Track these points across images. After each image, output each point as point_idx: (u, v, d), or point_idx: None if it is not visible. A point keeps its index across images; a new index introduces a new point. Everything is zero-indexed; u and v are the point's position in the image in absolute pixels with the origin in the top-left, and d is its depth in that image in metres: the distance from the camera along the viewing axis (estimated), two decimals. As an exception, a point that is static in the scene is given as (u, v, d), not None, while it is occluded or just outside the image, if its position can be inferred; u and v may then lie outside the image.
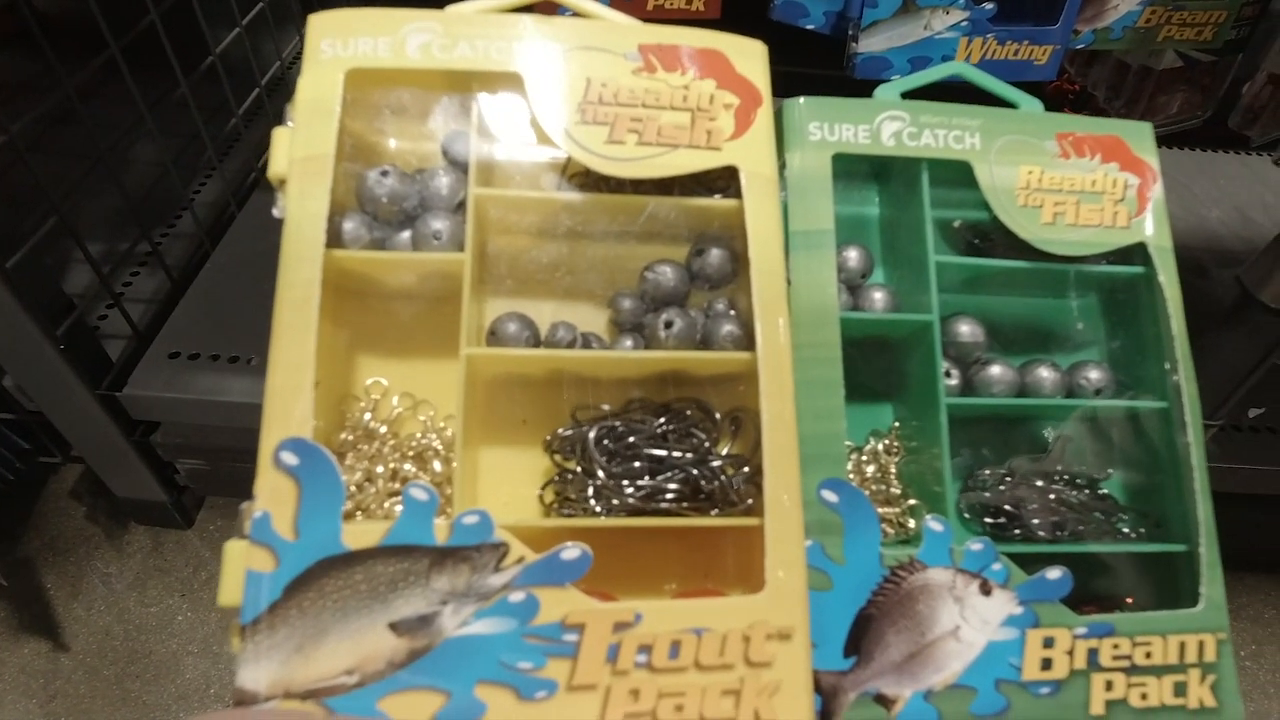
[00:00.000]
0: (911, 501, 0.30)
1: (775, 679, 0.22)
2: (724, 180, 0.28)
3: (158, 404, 0.57)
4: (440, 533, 0.22)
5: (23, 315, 0.49)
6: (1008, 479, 0.32)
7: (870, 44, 0.51)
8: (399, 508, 0.26)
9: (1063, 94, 0.70)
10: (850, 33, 0.51)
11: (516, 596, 0.22)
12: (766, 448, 0.24)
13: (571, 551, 0.22)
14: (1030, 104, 0.33)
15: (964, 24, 0.50)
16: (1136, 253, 0.32)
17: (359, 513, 0.25)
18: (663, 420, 0.27)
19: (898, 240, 0.33)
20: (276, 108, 0.74)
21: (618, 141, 0.26)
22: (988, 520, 0.31)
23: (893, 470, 0.31)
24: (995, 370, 0.32)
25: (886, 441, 0.32)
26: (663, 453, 0.26)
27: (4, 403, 0.61)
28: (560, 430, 0.27)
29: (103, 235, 0.66)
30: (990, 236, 0.33)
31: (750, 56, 0.27)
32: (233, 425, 0.58)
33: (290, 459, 0.22)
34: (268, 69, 0.74)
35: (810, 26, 0.55)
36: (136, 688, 0.59)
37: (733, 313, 0.28)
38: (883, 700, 0.25)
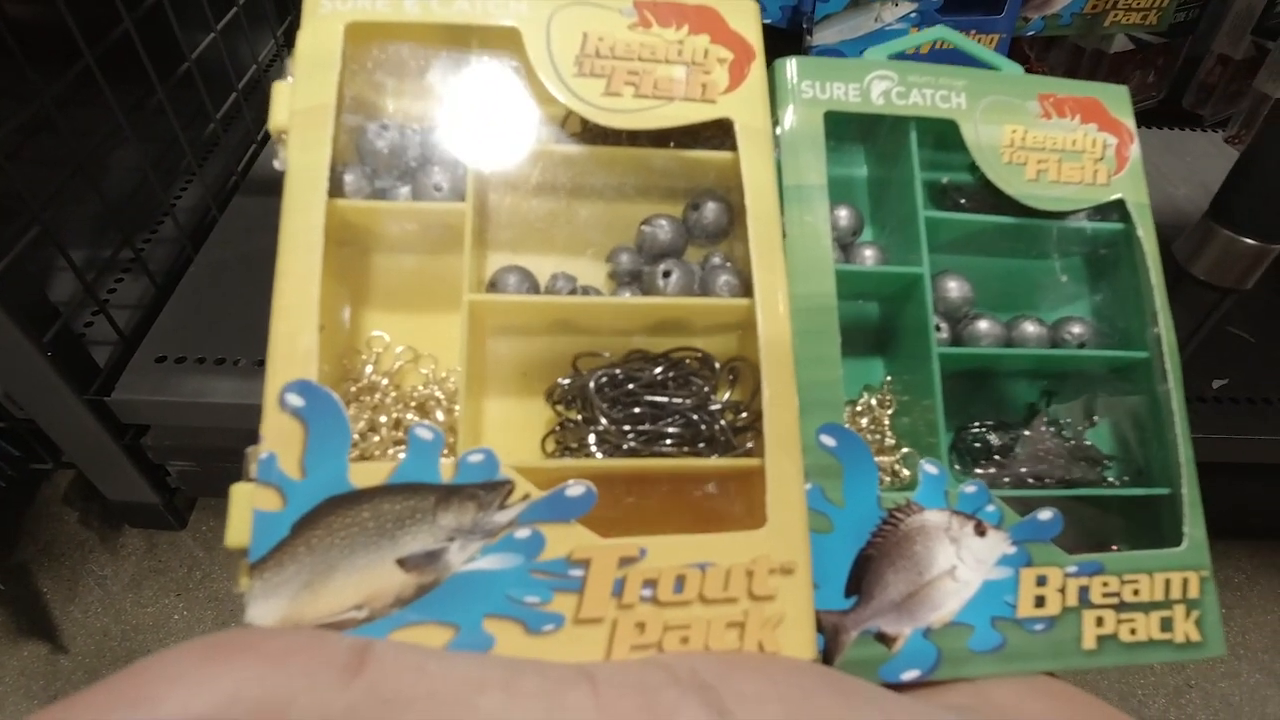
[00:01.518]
0: (905, 450, 0.30)
1: (778, 611, 0.23)
2: (717, 137, 0.29)
3: (146, 407, 0.58)
4: (446, 471, 0.22)
5: (9, 324, 0.50)
6: (996, 430, 0.33)
7: (824, 36, 0.53)
8: (403, 455, 0.26)
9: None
10: (805, 26, 0.53)
11: (522, 533, 0.22)
12: (766, 390, 0.24)
13: (576, 489, 0.23)
14: (1011, 68, 0.34)
15: (913, 15, 0.53)
16: (1115, 210, 0.33)
17: (364, 460, 0.25)
18: (662, 368, 0.27)
19: (886, 199, 0.34)
20: (254, 112, 0.74)
21: (615, 94, 0.26)
22: (978, 471, 0.32)
23: (886, 422, 0.31)
24: (983, 325, 0.33)
25: (880, 395, 0.32)
26: (663, 399, 0.26)
27: (-6, 411, 0.61)
28: (561, 380, 0.27)
29: (85, 242, 0.66)
30: (975, 195, 0.34)
31: (743, 13, 0.28)
32: (221, 426, 0.58)
33: (296, 400, 0.22)
34: (244, 73, 0.74)
35: (767, 20, 0.57)
36: None
37: (728, 264, 0.28)
38: (883, 638, 0.25)
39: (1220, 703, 0.69)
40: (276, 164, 0.25)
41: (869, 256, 0.32)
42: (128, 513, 0.66)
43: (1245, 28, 0.74)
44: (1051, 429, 0.33)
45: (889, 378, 0.33)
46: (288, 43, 0.83)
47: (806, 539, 0.24)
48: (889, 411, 0.32)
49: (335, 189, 0.25)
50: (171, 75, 0.62)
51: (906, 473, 0.30)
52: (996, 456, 0.32)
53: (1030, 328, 0.33)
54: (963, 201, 0.35)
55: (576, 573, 0.22)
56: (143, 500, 0.64)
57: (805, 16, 0.52)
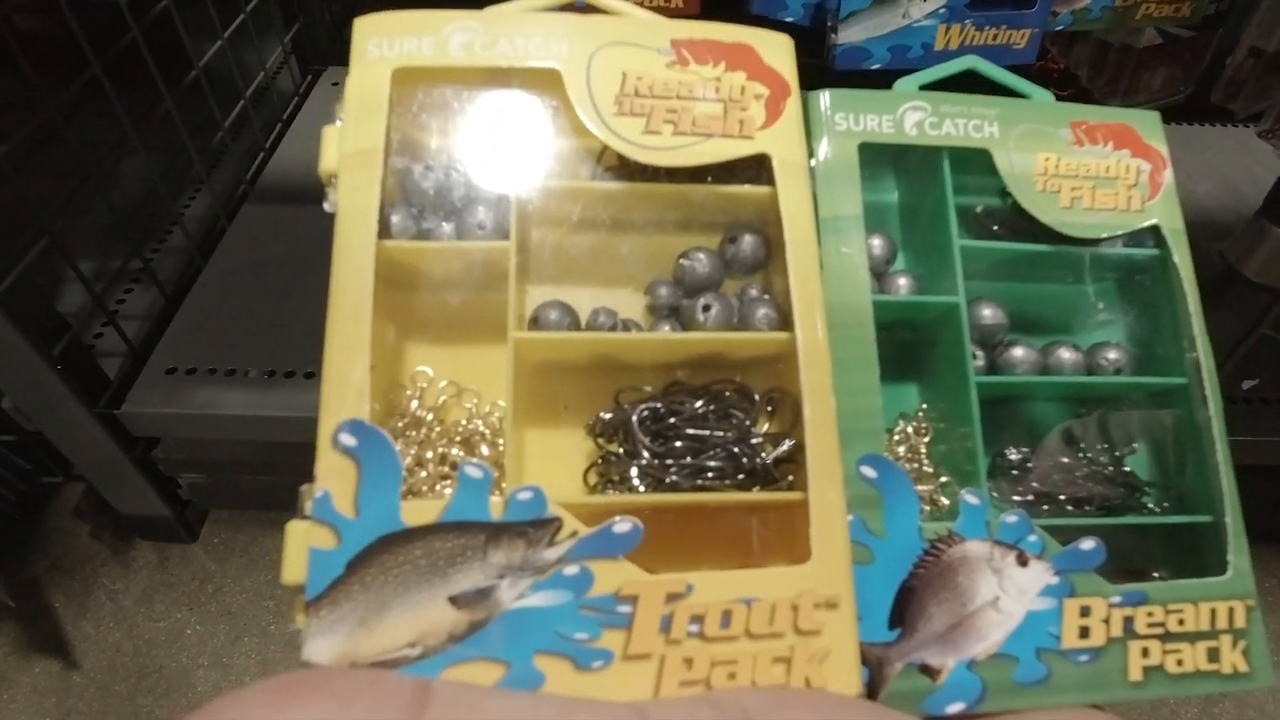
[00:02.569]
0: (943, 479, 0.30)
1: (824, 646, 0.23)
2: (752, 171, 0.29)
3: (156, 420, 0.57)
4: (495, 509, 0.23)
5: (18, 337, 0.49)
6: (1033, 458, 0.33)
7: (849, 34, 0.52)
8: (448, 490, 0.26)
9: (1046, 74, 0.70)
10: (829, 24, 0.51)
11: (571, 569, 0.23)
12: (808, 422, 0.25)
13: (623, 525, 0.23)
14: (1041, 95, 0.34)
15: (941, 10, 0.51)
16: (1149, 237, 0.33)
17: (410, 496, 0.26)
18: (702, 401, 0.27)
19: (918, 227, 0.34)
20: (262, 119, 0.74)
21: (655, 132, 0.27)
22: (1015, 499, 0.32)
23: (923, 450, 0.32)
24: (1018, 352, 0.33)
25: (916, 423, 0.32)
26: (704, 432, 0.27)
27: (4, 424, 0.61)
28: (602, 414, 0.28)
29: (94, 253, 0.66)
30: (1007, 221, 0.34)
31: (777, 49, 0.28)
32: (233, 438, 0.58)
33: (349, 440, 0.23)
34: (252, 80, 0.74)
35: (789, 19, 0.55)
36: (149, 703, 0.59)
37: (766, 297, 0.29)
38: (928, 670, 0.25)
39: (1255, 712, 0.67)
40: (327, 206, 0.26)
41: (903, 285, 0.33)
42: (139, 526, 0.66)
43: (1278, 19, 0.72)
44: (1088, 456, 0.33)
45: (924, 405, 0.33)
46: (295, 50, 0.83)
47: (850, 572, 0.24)
48: (925, 439, 0.32)
49: (382, 229, 0.25)
50: (179, 84, 0.62)
51: (945, 501, 0.30)
52: (1034, 484, 0.32)
53: (1066, 354, 0.33)
54: (995, 229, 0.35)
55: (625, 609, 0.22)
56: (154, 513, 0.64)
57: (830, 14, 0.50)
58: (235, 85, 0.72)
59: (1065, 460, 0.33)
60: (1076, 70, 0.65)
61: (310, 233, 0.64)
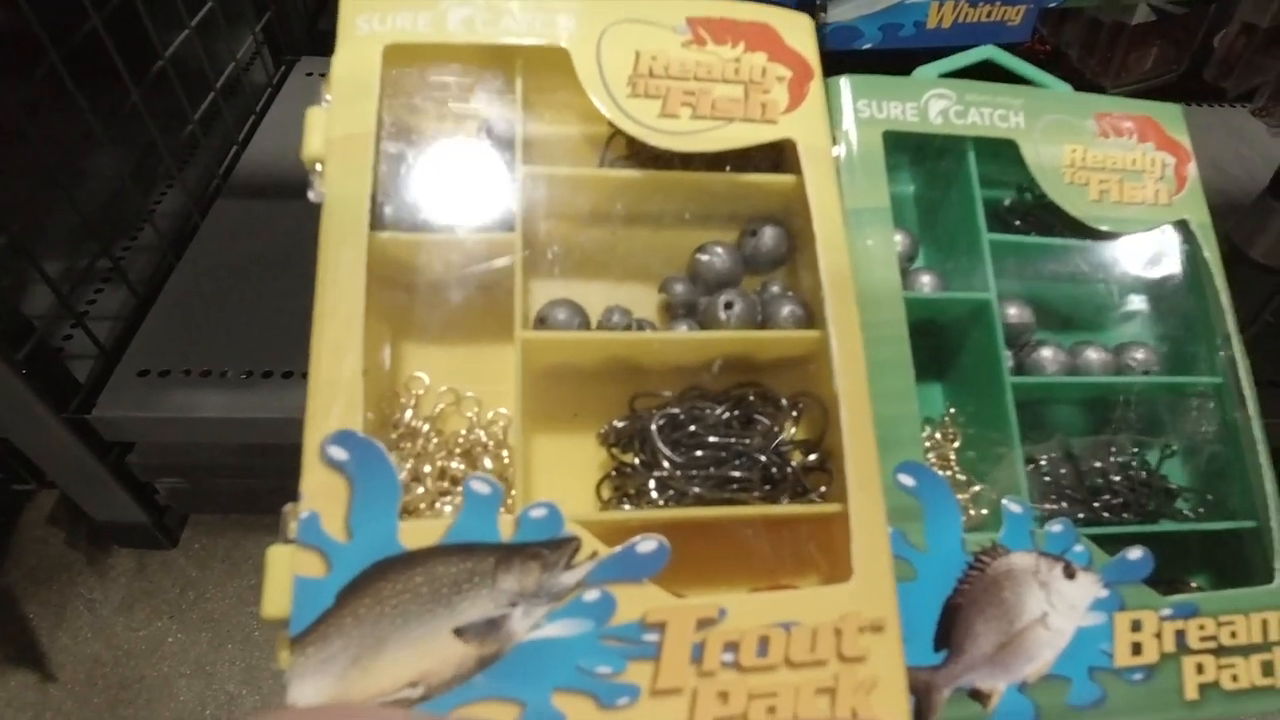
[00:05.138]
0: (977, 487, 0.29)
1: (871, 675, 0.21)
2: (770, 159, 0.27)
3: (130, 424, 0.55)
4: (505, 529, 0.20)
5: None
6: (1066, 463, 0.31)
7: (839, 13, 0.50)
8: (448, 508, 0.24)
9: (1033, 56, 0.69)
10: (818, 3, 0.50)
11: (591, 595, 0.20)
12: (846, 429, 0.23)
13: (648, 544, 0.21)
14: (1059, 86, 0.33)
15: None
16: (1177, 231, 0.32)
17: (406, 515, 0.23)
18: (724, 407, 0.25)
19: (941, 221, 0.32)
20: (235, 112, 0.72)
21: (671, 115, 0.25)
22: (1048, 506, 0.30)
23: (952, 456, 0.30)
24: (1047, 353, 0.31)
25: (944, 428, 0.30)
26: (728, 440, 0.25)
27: (-31, 431, 0.57)
28: (616, 422, 0.25)
29: (61, 253, 0.63)
30: (1032, 216, 0.33)
31: (798, 29, 0.26)
32: (211, 441, 0.56)
33: (339, 454, 0.20)
34: (222, 72, 0.72)
35: (777, 1, 0.53)
36: (130, 714, 0.56)
37: (790, 293, 0.27)
38: (978, 695, 0.23)
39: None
40: (311, 195, 0.23)
41: (926, 283, 0.31)
42: (116, 533, 0.63)
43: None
44: (1121, 460, 0.31)
45: (951, 409, 0.31)
46: (268, 39, 0.81)
47: (895, 591, 0.22)
48: (955, 445, 0.30)
49: (375, 221, 0.23)
50: (146, 76, 0.60)
51: (984, 511, 0.28)
52: (1069, 491, 0.30)
53: (1093, 354, 0.32)
54: (1017, 224, 0.33)
55: (651, 638, 0.20)
56: (131, 520, 0.61)
57: (818, -10, 0.49)
58: (205, 77, 0.69)
59: (1099, 465, 0.31)
60: (1067, 50, 0.63)
61: (287, 228, 0.62)
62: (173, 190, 0.71)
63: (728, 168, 0.26)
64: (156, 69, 0.62)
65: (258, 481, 0.60)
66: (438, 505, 0.24)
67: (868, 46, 0.56)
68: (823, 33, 0.51)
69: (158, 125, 0.61)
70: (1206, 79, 0.66)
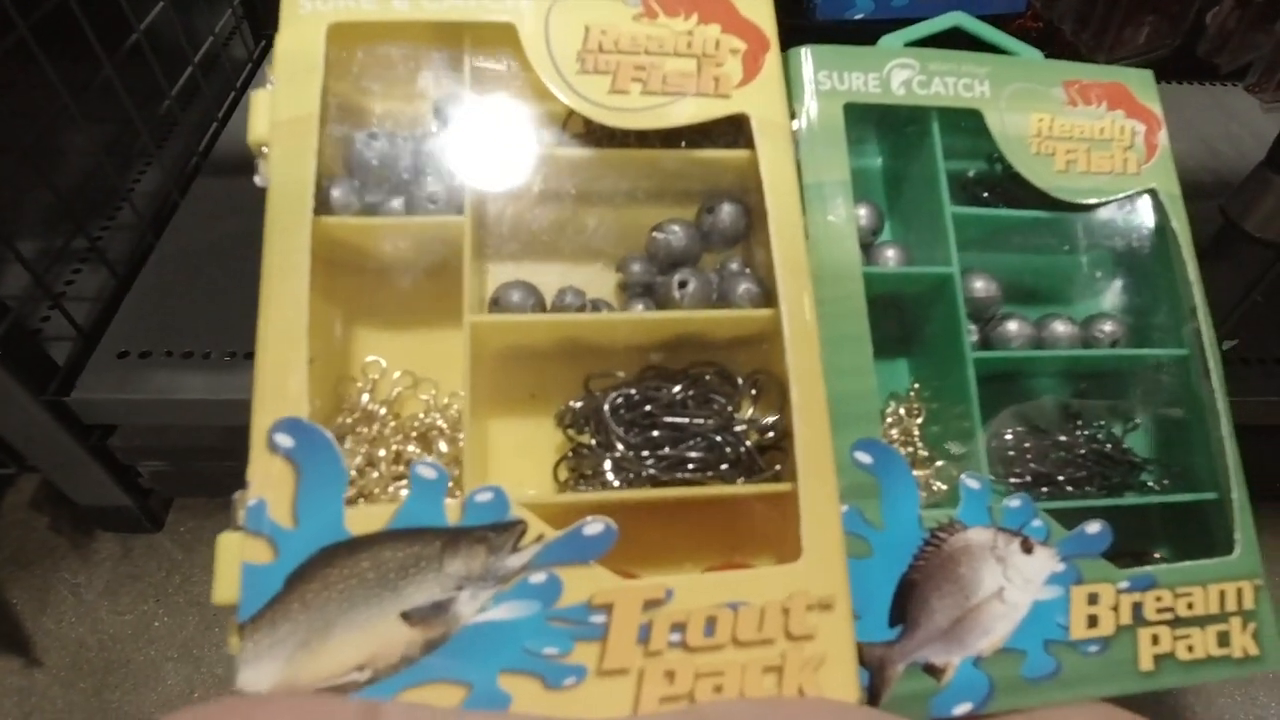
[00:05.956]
0: (939, 463, 0.29)
1: (819, 652, 0.21)
2: (729, 134, 0.27)
3: (110, 406, 0.55)
4: (452, 513, 0.21)
5: None
6: (1030, 437, 0.31)
7: None
8: (404, 492, 0.24)
9: (1024, 33, 0.68)
10: None
11: (537, 577, 0.20)
12: (796, 407, 0.23)
13: (594, 526, 0.21)
14: (1030, 53, 0.32)
15: None
16: (1146, 201, 0.32)
17: (361, 499, 0.23)
18: (680, 386, 0.25)
19: (905, 194, 0.32)
20: (214, 88, 0.71)
21: (621, 91, 0.24)
22: (1012, 481, 0.30)
23: (916, 432, 0.30)
24: (1012, 326, 0.31)
25: (908, 404, 0.30)
26: (683, 420, 0.24)
27: (-55, 414, 0.57)
28: (572, 402, 0.25)
29: (37, 233, 0.62)
30: (997, 188, 0.32)
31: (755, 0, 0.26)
32: (193, 424, 0.56)
33: (285, 441, 0.20)
34: (200, 46, 0.70)
35: None
36: (116, 698, 0.57)
37: (747, 271, 0.26)
38: (932, 670, 0.23)
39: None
40: (258, 180, 0.23)
41: (891, 257, 0.30)
42: (100, 516, 0.63)
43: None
44: (1086, 434, 0.31)
45: (915, 384, 0.31)
46: (247, 14, 0.79)
47: (845, 570, 0.22)
48: (918, 420, 0.30)
49: (322, 205, 0.23)
50: (120, 49, 0.59)
51: (943, 486, 0.28)
52: (1033, 465, 0.30)
53: (1060, 327, 0.32)
54: (985, 195, 0.33)
55: (598, 619, 0.20)
56: (114, 503, 0.61)
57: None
58: (183, 51, 0.68)
59: (1063, 439, 0.31)
60: (1061, 24, 0.62)
61: (269, 207, 0.62)
62: (151, 168, 0.70)
63: (683, 143, 0.26)
64: (130, 42, 0.60)
65: (243, 463, 0.60)
66: (392, 489, 0.24)
67: (860, 17, 0.55)
68: (813, 3, 0.49)
69: (135, 101, 0.60)
70: (1199, 55, 0.65)
